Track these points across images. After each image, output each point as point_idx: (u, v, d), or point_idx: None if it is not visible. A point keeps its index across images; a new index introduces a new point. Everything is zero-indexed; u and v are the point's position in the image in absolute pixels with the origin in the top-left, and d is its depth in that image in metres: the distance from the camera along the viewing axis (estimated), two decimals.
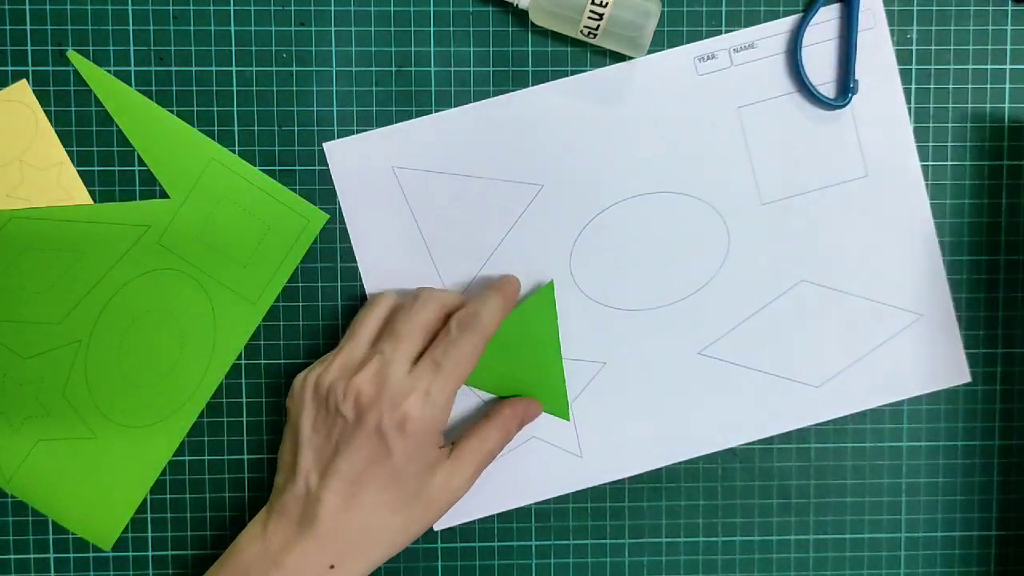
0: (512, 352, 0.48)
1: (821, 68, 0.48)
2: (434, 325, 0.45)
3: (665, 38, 0.48)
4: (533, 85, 0.48)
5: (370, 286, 0.49)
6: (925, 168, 0.49)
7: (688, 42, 0.48)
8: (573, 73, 0.48)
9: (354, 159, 0.48)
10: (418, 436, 0.43)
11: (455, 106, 0.48)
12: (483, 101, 0.48)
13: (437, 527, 0.50)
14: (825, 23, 0.48)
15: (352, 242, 0.49)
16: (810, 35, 0.48)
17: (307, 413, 0.44)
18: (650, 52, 0.48)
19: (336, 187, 0.48)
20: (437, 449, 0.44)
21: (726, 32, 0.48)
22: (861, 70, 0.48)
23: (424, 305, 0.45)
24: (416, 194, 0.48)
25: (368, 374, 0.43)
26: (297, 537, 0.43)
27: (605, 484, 0.50)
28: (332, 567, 0.43)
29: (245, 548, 0.44)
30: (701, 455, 0.50)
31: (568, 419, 0.49)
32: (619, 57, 0.48)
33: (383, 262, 0.49)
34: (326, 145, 0.48)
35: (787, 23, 0.48)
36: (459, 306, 0.46)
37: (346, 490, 0.43)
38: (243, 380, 0.49)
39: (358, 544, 0.43)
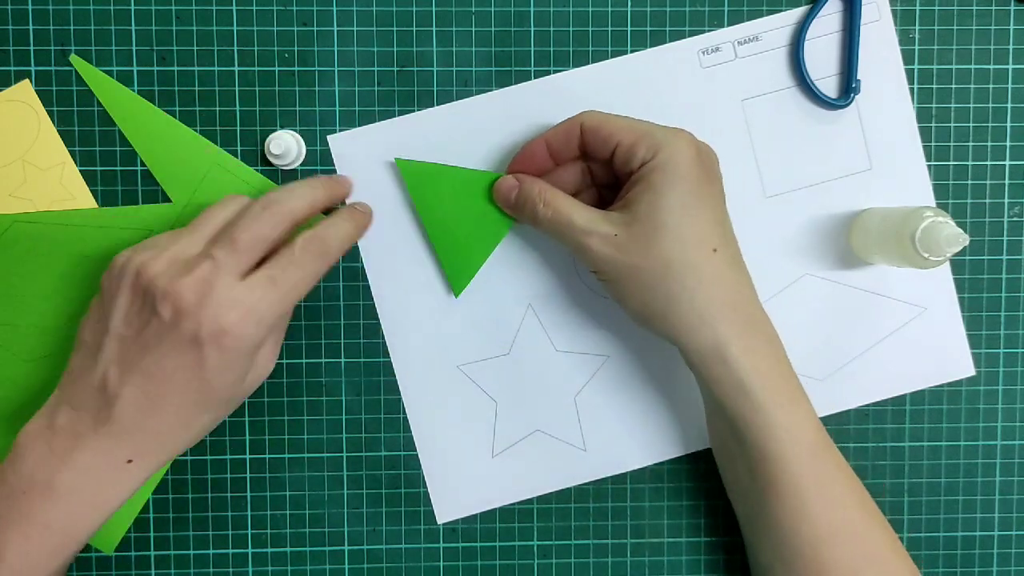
0: (462, 209, 0.48)
1: (827, 61, 0.48)
2: (277, 239, 0.42)
3: (667, 33, 0.48)
4: None
5: (373, 280, 0.49)
6: (928, 168, 0.49)
7: (692, 35, 0.48)
8: None
9: (358, 151, 0.48)
10: (236, 351, 0.40)
11: None
12: (487, 94, 0.48)
13: (439, 522, 0.50)
14: (831, 15, 0.48)
15: None
16: (815, 27, 0.48)
17: (122, 301, 0.40)
18: (654, 45, 0.48)
19: None
20: (251, 359, 0.42)
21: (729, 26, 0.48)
22: (866, 62, 0.48)
23: (272, 218, 0.41)
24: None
25: (194, 279, 0.39)
26: (91, 433, 0.40)
27: (607, 482, 0.50)
28: (130, 461, 0.40)
29: (27, 448, 0.40)
30: (705, 449, 0.50)
31: (457, 296, 0.49)
32: (622, 51, 0.48)
33: (386, 255, 0.49)
34: (330, 138, 0.48)
35: (792, 15, 0.48)
36: (307, 216, 0.43)
37: (151, 389, 0.40)
38: None
39: (160, 438, 0.40)
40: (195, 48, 0.48)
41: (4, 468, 0.41)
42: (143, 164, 0.48)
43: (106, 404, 0.40)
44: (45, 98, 0.48)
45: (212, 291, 0.39)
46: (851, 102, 0.48)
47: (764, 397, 0.41)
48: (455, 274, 0.49)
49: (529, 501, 0.50)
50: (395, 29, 0.48)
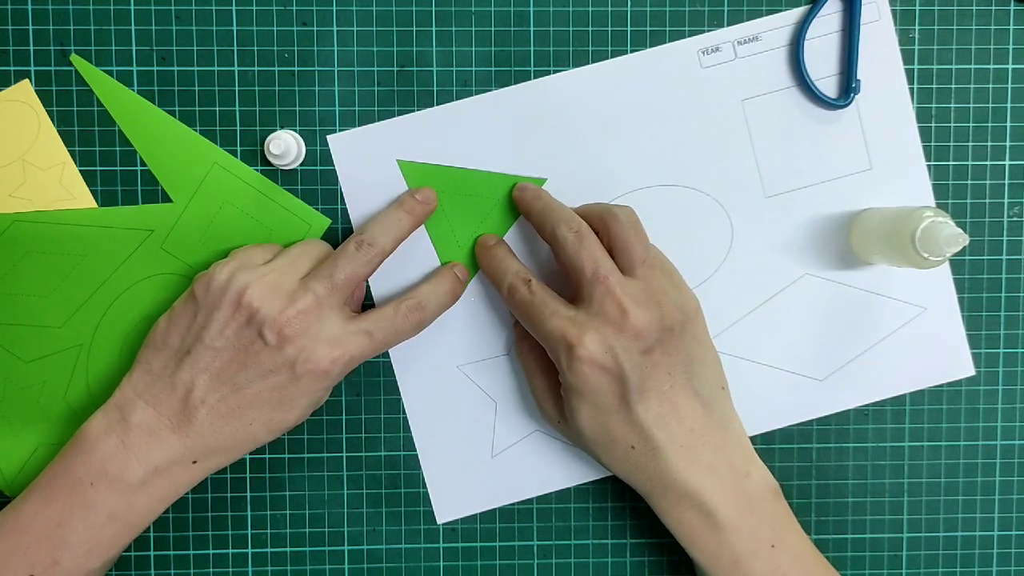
0: (462, 209, 0.48)
1: (826, 61, 0.48)
2: (369, 275, 0.45)
3: (667, 33, 0.48)
4: None
5: (374, 281, 0.49)
6: (928, 168, 0.49)
7: (691, 35, 0.48)
8: None
9: (358, 151, 0.48)
10: (320, 384, 0.43)
11: None
12: (488, 94, 0.48)
13: (439, 522, 0.50)
14: (831, 15, 0.48)
15: None
16: (815, 27, 0.48)
17: (220, 316, 0.43)
18: (654, 45, 0.48)
19: (340, 179, 0.48)
20: (324, 393, 0.45)
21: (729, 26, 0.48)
22: (866, 62, 0.48)
23: (365, 258, 0.44)
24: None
25: (299, 311, 0.42)
26: (167, 433, 0.42)
27: (607, 482, 0.50)
28: (195, 462, 0.43)
29: (98, 440, 0.42)
30: None
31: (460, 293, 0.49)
32: (622, 51, 0.48)
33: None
34: (330, 137, 0.48)
35: (792, 15, 0.48)
36: (396, 248, 0.46)
37: (233, 402, 0.43)
38: None
39: (225, 447, 0.43)
40: (195, 48, 0.48)
41: (68, 458, 0.43)
42: (143, 164, 0.48)
43: (188, 410, 0.42)
44: (45, 98, 0.48)
45: (315, 325, 0.43)
46: (851, 102, 0.48)
47: (687, 544, 0.44)
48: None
49: (529, 501, 0.50)
50: (395, 29, 0.48)
